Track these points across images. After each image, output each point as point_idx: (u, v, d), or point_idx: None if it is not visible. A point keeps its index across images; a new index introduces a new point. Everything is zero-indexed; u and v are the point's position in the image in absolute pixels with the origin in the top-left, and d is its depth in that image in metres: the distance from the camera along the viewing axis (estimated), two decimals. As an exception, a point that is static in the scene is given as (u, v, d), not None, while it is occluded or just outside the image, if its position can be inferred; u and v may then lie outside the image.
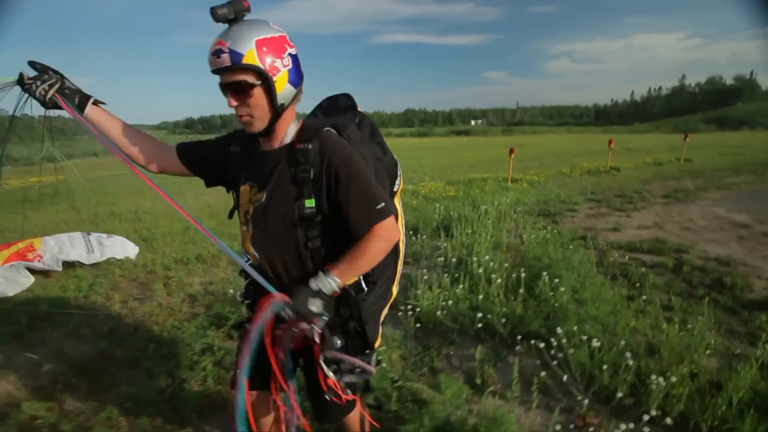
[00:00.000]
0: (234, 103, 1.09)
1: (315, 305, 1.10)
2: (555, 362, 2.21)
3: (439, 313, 2.79)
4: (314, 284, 1.12)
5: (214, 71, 1.07)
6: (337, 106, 1.40)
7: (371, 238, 1.13)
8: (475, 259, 3.45)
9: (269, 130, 1.15)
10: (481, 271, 3.20)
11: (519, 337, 2.48)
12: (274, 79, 1.06)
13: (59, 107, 1.18)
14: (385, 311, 1.47)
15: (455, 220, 4.79)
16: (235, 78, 1.05)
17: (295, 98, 1.15)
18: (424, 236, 4.84)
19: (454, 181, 9.11)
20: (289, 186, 1.16)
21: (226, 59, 1.02)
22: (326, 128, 1.18)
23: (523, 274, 3.02)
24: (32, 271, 4.15)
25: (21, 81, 1.13)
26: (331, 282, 1.12)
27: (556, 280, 2.85)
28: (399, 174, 1.46)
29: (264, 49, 1.03)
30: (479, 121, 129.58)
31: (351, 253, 1.14)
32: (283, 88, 1.09)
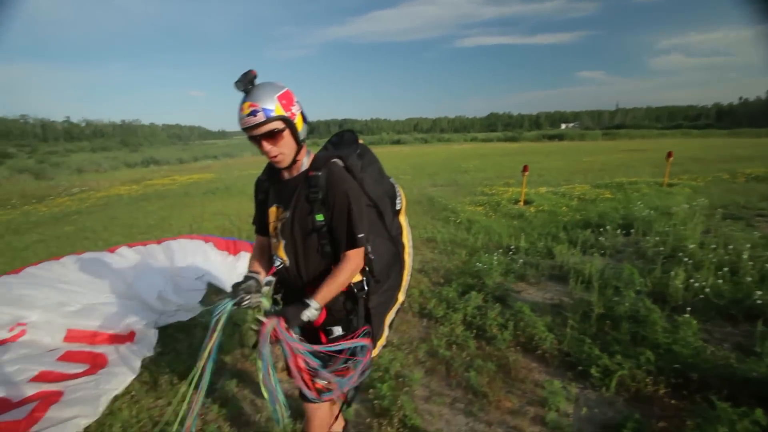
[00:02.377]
0: (268, 147, 1.38)
1: (296, 330, 1.41)
2: None
3: (708, 290, 3.18)
4: (305, 316, 1.39)
5: (249, 127, 1.33)
6: (343, 141, 1.70)
7: (343, 263, 1.44)
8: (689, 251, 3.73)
9: (294, 162, 1.45)
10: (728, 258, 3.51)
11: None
12: (295, 121, 1.39)
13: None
14: (391, 315, 1.75)
15: (651, 219, 5.03)
16: (269, 128, 1.34)
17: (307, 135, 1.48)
18: (609, 230, 5.17)
19: (600, 185, 9.10)
20: (304, 204, 1.46)
21: (261, 116, 1.31)
22: (333, 160, 1.48)
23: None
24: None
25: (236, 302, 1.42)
26: (315, 311, 1.41)
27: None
28: (398, 194, 1.72)
29: (283, 101, 1.35)
30: (570, 125, 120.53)
31: (327, 282, 1.43)
32: (301, 127, 1.42)
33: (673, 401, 2.32)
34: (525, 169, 7.54)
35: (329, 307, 1.52)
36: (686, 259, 3.69)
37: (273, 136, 1.36)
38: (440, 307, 3.56)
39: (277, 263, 1.55)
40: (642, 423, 2.13)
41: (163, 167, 30.43)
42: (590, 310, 3.18)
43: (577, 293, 3.69)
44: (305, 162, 1.49)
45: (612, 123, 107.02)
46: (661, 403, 2.32)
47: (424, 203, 8.47)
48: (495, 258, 4.33)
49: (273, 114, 1.33)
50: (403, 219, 1.76)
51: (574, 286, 3.78)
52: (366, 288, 1.56)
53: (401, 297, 1.78)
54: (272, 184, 1.58)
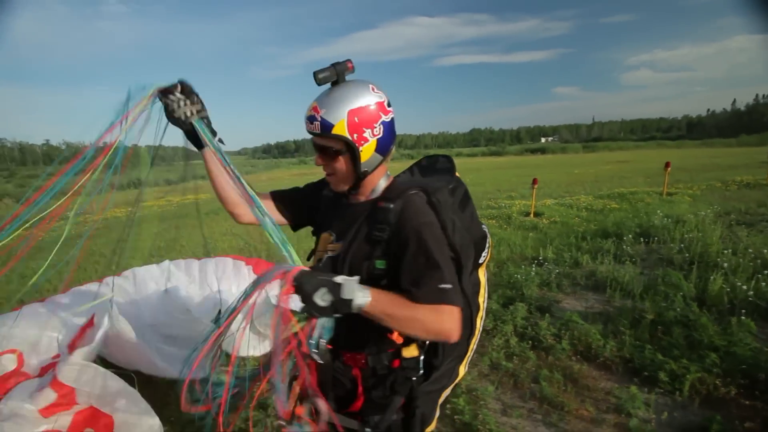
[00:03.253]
0: (320, 162, 1.14)
1: (321, 297, 0.92)
2: None
3: (751, 293, 3.32)
4: (340, 279, 0.95)
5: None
6: (435, 168, 1.39)
7: (430, 309, 0.99)
8: (722, 256, 3.89)
9: (353, 190, 1.18)
10: None
11: None
12: (360, 149, 1.07)
13: (189, 132, 1.17)
14: (447, 393, 1.34)
15: (668, 227, 5.22)
16: (323, 143, 1.10)
17: (384, 159, 1.14)
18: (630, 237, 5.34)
19: (603, 195, 9.40)
20: (363, 243, 1.12)
21: (317, 126, 1.05)
22: (414, 191, 1.13)
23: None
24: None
25: (167, 91, 1.12)
26: (357, 292, 0.94)
27: None
28: (487, 246, 1.37)
29: (355, 119, 1.04)
30: (550, 139, 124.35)
31: (399, 299, 1.00)
32: (368, 157, 1.10)
33: (747, 402, 2.39)
34: (534, 182, 7.76)
35: (367, 389, 1.18)
36: (725, 264, 3.83)
37: (327, 153, 1.11)
38: (487, 319, 3.58)
39: None
40: (725, 425, 2.19)
41: (153, 189, 29.78)
42: (640, 316, 3.26)
43: (616, 301, 3.79)
44: (379, 188, 1.18)
45: (590, 136, 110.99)
46: (736, 405, 2.39)
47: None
48: (533, 269, 4.41)
49: (331, 131, 1.05)
50: (482, 274, 1.39)
51: (613, 294, 3.88)
52: (421, 370, 1.18)
53: (462, 371, 1.37)
54: (333, 203, 1.27)
